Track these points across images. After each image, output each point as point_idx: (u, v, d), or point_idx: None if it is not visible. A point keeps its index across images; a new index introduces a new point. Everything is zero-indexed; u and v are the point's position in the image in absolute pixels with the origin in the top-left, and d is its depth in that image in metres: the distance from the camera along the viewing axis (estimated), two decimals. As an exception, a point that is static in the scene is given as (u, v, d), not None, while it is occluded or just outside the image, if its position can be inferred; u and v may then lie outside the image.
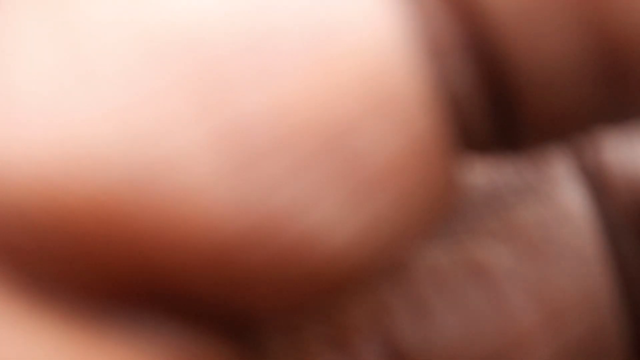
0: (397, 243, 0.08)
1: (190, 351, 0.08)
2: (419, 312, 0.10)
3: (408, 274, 0.10)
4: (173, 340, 0.08)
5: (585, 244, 0.10)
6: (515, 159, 0.11)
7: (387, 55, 0.07)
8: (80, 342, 0.07)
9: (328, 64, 0.07)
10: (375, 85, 0.07)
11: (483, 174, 0.11)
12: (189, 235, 0.07)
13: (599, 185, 0.10)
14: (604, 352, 0.10)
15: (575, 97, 0.08)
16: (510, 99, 0.08)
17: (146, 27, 0.07)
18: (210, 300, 0.08)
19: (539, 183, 0.10)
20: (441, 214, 0.08)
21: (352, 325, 0.10)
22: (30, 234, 0.07)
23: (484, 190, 0.11)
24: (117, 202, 0.07)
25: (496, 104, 0.08)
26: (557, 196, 0.10)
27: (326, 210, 0.07)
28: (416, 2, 0.07)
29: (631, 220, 0.10)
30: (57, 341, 0.07)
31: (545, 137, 0.08)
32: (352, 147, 0.07)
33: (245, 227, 0.07)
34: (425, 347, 0.10)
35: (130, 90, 0.07)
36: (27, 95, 0.07)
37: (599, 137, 0.10)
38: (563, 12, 0.07)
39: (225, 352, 0.08)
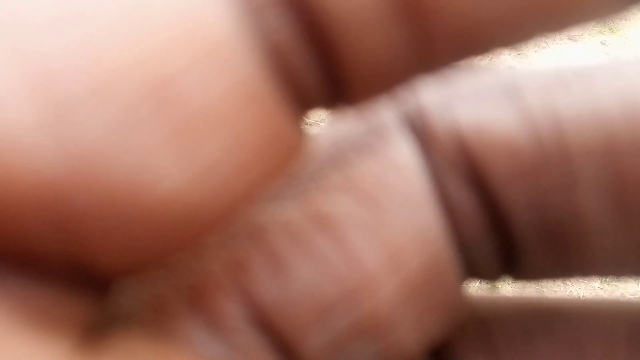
0: (237, 193, 0.08)
1: (38, 305, 0.08)
2: (275, 267, 0.10)
3: (263, 229, 0.10)
4: (19, 294, 0.08)
5: (415, 190, 0.11)
6: (353, 117, 0.11)
7: (202, 9, 0.08)
8: None
9: (140, 15, 0.07)
10: (191, 35, 0.07)
11: (329, 133, 0.12)
12: (5, 179, 0.07)
13: (423, 136, 0.11)
14: (441, 278, 0.11)
15: (384, 45, 0.08)
16: (331, 50, 0.08)
17: None
18: (48, 251, 0.08)
19: (373, 139, 0.11)
20: (284, 165, 0.09)
21: (210, 283, 0.10)
22: None
23: (330, 148, 0.11)
24: None
25: (320, 57, 0.08)
26: (389, 151, 0.11)
27: (151, 155, 0.07)
28: None
29: (453, 163, 0.11)
30: None
31: (371, 89, 0.09)
32: (174, 93, 0.07)
33: (66, 172, 0.07)
34: (283, 300, 0.10)
35: None
36: None
37: (418, 88, 0.11)
38: None
39: (79, 307, 0.08)
